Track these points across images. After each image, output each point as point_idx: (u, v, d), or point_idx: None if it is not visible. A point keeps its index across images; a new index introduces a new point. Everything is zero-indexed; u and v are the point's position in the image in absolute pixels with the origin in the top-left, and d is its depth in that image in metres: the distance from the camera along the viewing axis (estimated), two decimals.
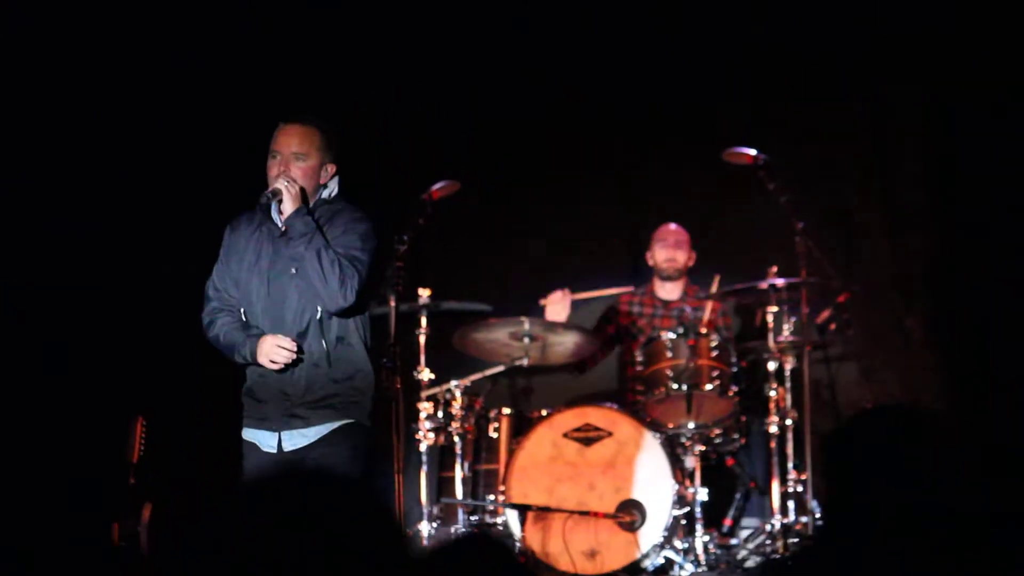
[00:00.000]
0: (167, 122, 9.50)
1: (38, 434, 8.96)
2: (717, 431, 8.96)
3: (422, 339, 8.86)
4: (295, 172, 6.47)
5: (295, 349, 6.40)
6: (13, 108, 9.18)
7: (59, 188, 9.29)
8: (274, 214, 6.59)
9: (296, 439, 6.48)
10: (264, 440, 6.54)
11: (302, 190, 6.46)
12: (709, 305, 9.45)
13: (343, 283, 6.36)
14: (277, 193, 6.44)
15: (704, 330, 9.01)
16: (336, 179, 6.62)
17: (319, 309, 6.45)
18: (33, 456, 8.92)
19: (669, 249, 9.53)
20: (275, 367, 6.42)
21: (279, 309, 6.51)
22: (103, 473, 8.08)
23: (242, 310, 6.59)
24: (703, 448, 8.87)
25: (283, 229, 6.52)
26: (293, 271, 6.46)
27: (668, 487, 8.50)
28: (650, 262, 9.62)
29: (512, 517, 8.57)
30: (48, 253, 9.22)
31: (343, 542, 2.62)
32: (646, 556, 8.46)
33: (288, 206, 6.43)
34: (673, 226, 9.54)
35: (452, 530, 8.75)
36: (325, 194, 6.59)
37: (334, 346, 6.49)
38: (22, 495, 8.70)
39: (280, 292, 6.51)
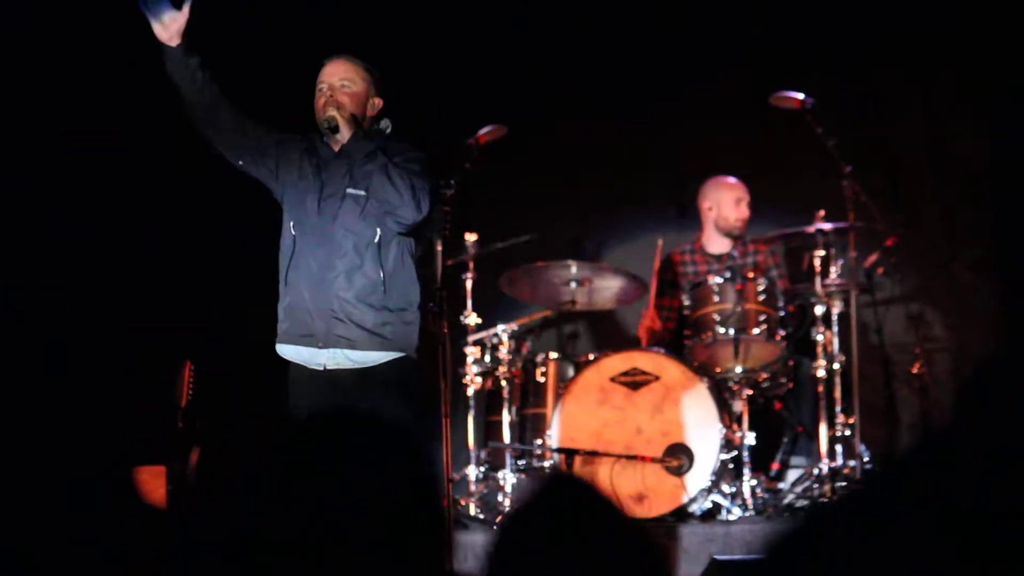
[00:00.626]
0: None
1: (87, 380, 8.93)
2: (764, 375, 8.89)
3: (469, 283, 8.82)
4: (342, 98, 6.54)
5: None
6: (16, 108, 9.16)
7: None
8: (322, 143, 6.64)
9: (341, 359, 6.48)
10: (309, 357, 6.53)
11: (353, 117, 6.49)
12: (762, 250, 9.37)
13: (414, 193, 6.39)
14: (332, 120, 6.48)
15: (751, 275, 8.91)
16: (387, 120, 6.66)
17: (377, 232, 6.46)
18: (82, 400, 8.90)
19: (743, 206, 9.40)
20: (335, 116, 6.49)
21: (328, 229, 6.52)
22: (154, 416, 8.07)
23: (290, 224, 6.56)
24: (750, 392, 8.80)
25: (335, 151, 6.54)
26: (348, 190, 6.49)
27: (715, 431, 8.44)
28: (710, 215, 9.46)
29: (559, 461, 8.52)
30: (106, 216, 9.22)
31: (382, 495, 2.56)
32: (693, 500, 8.42)
33: (344, 132, 6.51)
34: (733, 180, 9.41)
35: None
36: (382, 125, 6.66)
37: (391, 274, 6.48)
38: (73, 439, 8.69)
39: (330, 211, 6.53)
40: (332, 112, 6.48)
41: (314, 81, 6.69)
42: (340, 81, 6.54)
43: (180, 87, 6.54)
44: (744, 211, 9.38)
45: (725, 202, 9.40)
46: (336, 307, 6.46)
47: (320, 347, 6.49)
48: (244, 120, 6.63)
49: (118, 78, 9.20)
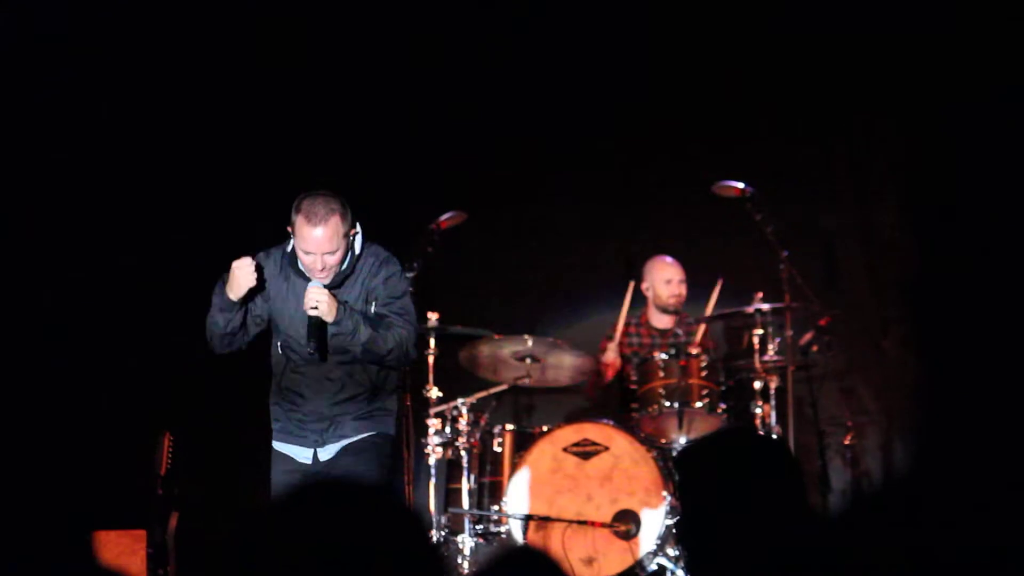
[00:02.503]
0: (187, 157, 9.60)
1: (71, 447, 9.04)
2: None
3: (431, 359, 8.93)
4: (330, 262, 6.56)
5: (252, 263, 6.54)
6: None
7: (103, 212, 9.37)
8: (299, 270, 6.71)
9: (331, 450, 6.68)
10: (299, 453, 6.69)
11: (332, 300, 6.52)
12: (701, 328, 9.56)
13: (403, 346, 6.57)
14: (314, 318, 6.51)
15: (695, 351, 9.10)
16: (359, 235, 6.73)
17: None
18: (65, 469, 8.99)
19: (675, 285, 9.62)
20: (248, 286, 6.53)
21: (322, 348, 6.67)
22: (133, 484, 8.16)
23: (278, 343, 6.76)
24: None
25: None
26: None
27: (661, 498, 8.58)
28: (648, 294, 9.70)
29: (515, 526, 8.67)
30: (78, 272, 9.29)
31: (375, 549, 2.66)
32: (640, 563, 8.54)
33: (329, 318, 6.51)
34: (669, 259, 9.63)
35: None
36: (356, 249, 6.70)
37: (375, 383, 6.70)
38: (53, 507, 8.77)
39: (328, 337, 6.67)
40: (311, 310, 6.47)
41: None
42: (328, 254, 6.53)
43: (219, 339, 6.75)
44: (675, 289, 9.58)
45: (658, 282, 9.63)
46: (327, 415, 6.66)
47: (308, 446, 6.69)
48: (251, 325, 6.80)
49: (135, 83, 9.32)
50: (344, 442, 6.66)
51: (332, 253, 6.55)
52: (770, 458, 3.58)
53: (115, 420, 9.05)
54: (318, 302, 6.46)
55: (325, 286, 6.55)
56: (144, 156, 9.52)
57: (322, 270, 6.55)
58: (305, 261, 6.58)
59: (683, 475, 3.68)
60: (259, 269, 6.63)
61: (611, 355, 9.50)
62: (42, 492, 8.88)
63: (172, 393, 9.15)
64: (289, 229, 6.63)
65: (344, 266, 6.63)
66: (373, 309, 6.64)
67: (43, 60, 9.30)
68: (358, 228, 6.68)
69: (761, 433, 8.88)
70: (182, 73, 9.57)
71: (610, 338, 9.62)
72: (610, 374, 9.57)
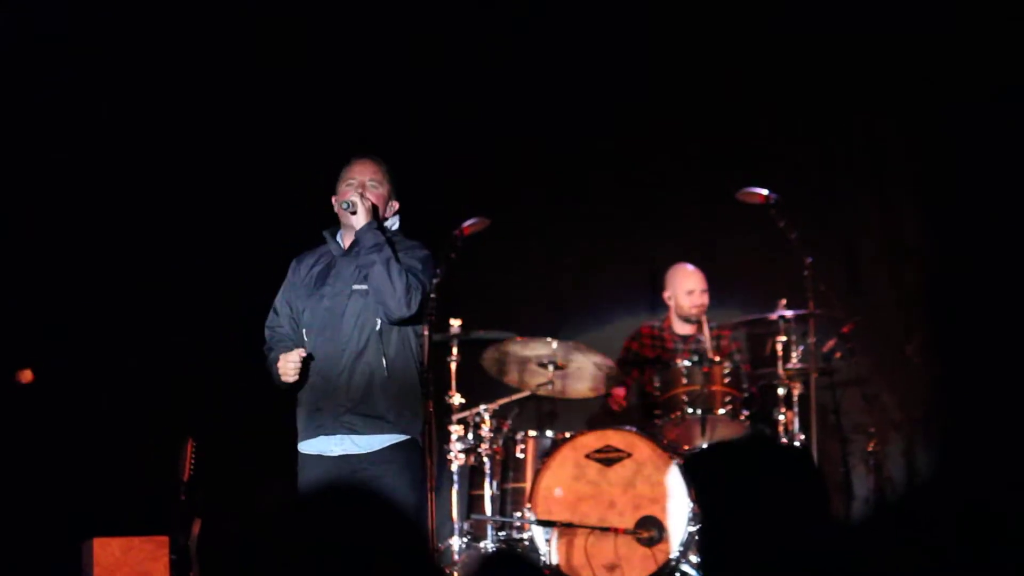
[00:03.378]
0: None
1: (95, 454, 9.04)
2: None
3: (453, 366, 8.90)
4: (370, 195, 6.70)
5: (300, 358, 6.54)
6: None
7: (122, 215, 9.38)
8: (337, 238, 6.80)
9: (347, 445, 6.62)
10: (326, 447, 6.66)
11: (374, 207, 6.64)
12: (725, 335, 9.53)
13: (408, 291, 6.55)
14: (352, 204, 6.62)
15: (718, 358, 9.08)
16: (398, 216, 6.85)
17: (379, 322, 6.61)
18: (89, 475, 8.99)
19: (696, 295, 9.61)
20: (289, 380, 6.54)
21: (336, 323, 6.68)
22: (156, 490, 8.16)
23: (303, 331, 6.70)
24: None
25: (344, 249, 6.68)
26: (354, 286, 6.64)
27: (684, 505, 8.55)
28: (670, 303, 9.69)
29: (538, 533, 8.64)
30: (105, 281, 9.29)
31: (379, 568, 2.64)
32: (663, 570, 8.50)
33: (361, 218, 6.62)
34: (692, 268, 9.62)
35: (481, 547, 8.79)
36: (387, 224, 6.76)
37: (392, 360, 6.62)
38: (78, 512, 8.77)
39: (339, 308, 6.69)
40: (355, 197, 6.62)
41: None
42: (370, 180, 6.71)
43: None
44: (697, 299, 9.57)
45: (680, 292, 9.62)
46: (343, 396, 6.61)
47: (329, 434, 6.63)
48: (280, 329, 6.86)
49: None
50: (373, 444, 6.61)
51: (374, 184, 6.70)
52: (787, 461, 3.56)
53: (138, 427, 9.05)
54: (360, 199, 6.59)
55: (348, 249, 6.70)
56: (144, 156, 9.50)
57: (360, 186, 6.64)
58: (345, 195, 6.68)
59: (699, 478, 3.66)
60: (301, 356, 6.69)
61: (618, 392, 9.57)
62: (64, 497, 8.88)
63: (195, 400, 9.14)
64: (333, 200, 6.77)
65: (376, 223, 6.66)
66: None
67: (43, 60, 9.29)
68: (397, 207, 6.82)
69: (779, 438, 8.86)
70: (182, 74, 9.56)
71: (628, 349, 9.63)
72: (615, 407, 9.60)
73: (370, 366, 6.61)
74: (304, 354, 6.58)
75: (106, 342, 9.24)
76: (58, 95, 9.29)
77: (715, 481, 3.47)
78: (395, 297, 6.52)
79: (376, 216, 6.68)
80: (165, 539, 7.94)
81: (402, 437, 6.62)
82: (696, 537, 8.54)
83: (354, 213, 6.63)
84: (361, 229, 6.61)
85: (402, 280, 6.52)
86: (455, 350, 8.88)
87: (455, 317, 8.92)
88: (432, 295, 7.89)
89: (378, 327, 6.61)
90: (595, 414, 9.94)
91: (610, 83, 10.13)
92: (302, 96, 9.76)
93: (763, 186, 9.06)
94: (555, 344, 9.19)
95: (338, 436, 6.62)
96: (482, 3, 10.05)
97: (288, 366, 6.56)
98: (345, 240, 6.80)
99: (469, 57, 10.06)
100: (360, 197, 6.63)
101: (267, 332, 6.87)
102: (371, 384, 6.60)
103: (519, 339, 9.21)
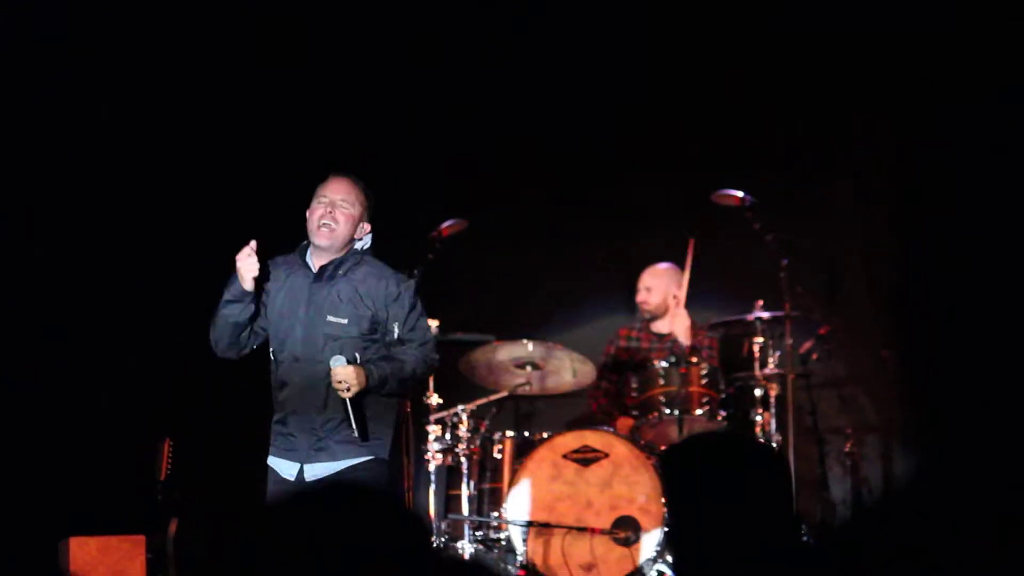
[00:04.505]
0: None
1: (71, 452, 9.01)
2: None
3: None
4: (339, 216, 6.62)
5: (252, 250, 6.50)
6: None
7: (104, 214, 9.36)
8: (308, 259, 6.71)
9: (318, 470, 6.56)
10: (284, 469, 6.61)
11: (357, 369, 6.47)
12: (701, 333, 9.53)
13: (427, 363, 6.72)
14: (350, 400, 6.49)
15: (695, 359, 9.07)
16: (370, 236, 6.76)
17: (357, 357, 6.54)
18: (64, 473, 8.97)
19: (641, 293, 9.62)
20: (250, 278, 6.50)
21: (312, 354, 6.60)
22: (133, 490, 8.14)
23: (271, 350, 6.67)
24: None
25: (315, 273, 6.65)
26: (328, 318, 6.58)
27: (661, 505, 8.54)
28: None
29: (515, 532, 8.63)
30: (82, 280, 9.26)
31: (371, 552, 2.62)
32: (640, 569, 8.50)
33: (358, 388, 6.47)
34: (657, 267, 9.61)
35: (458, 547, 8.77)
36: (358, 246, 6.71)
37: (369, 389, 6.56)
38: (55, 512, 8.74)
39: (313, 338, 6.61)
40: (343, 393, 6.43)
41: (309, 172, 6.82)
42: (341, 200, 6.60)
43: (227, 333, 6.70)
44: (644, 296, 9.57)
45: (637, 287, 9.61)
46: (318, 425, 6.56)
47: (299, 461, 6.58)
48: (257, 330, 6.79)
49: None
50: (334, 467, 6.56)
51: (344, 206, 6.59)
52: (755, 456, 3.57)
53: (115, 425, 9.02)
54: (346, 381, 6.42)
55: (319, 273, 6.63)
56: (144, 156, 9.48)
57: (327, 214, 6.57)
58: (315, 212, 6.62)
59: (668, 473, 3.67)
60: (263, 265, 6.61)
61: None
62: (40, 495, 8.85)
63: (172, 399, 9.12)
64: (308, 213, 6.70)
65: (343, 253, 6.63)
66: (397, 334, 6.63)
67: (43, 60, 9.27)
68: (369, 229, 6.73)
69: (747, 435, 8.87)
70: (182, 75, 9.53)
71: (607, 354, 9.64)
72: (594, 407, 9.62)
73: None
74: (255, 246, 6.50)
75: (84, 342, 9.21)
76: (58, 95, 9.26)
77: (684, 476, 3.48)
78: (420, 374, 6.77)
79: (361, 372, 6.47)
80: (142, 538, 7.92)
81: (367, 457, 6.58)
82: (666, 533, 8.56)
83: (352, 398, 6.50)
84: (367, 388, 6.50)
85: (424, 369, 6.74)
86: None
87: (433, 318, 8.90)
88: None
89: (357, 360, 6.53)
90: (573, 415, 9.92)
91: (587, 86, 10.11)
92: (298, 96, 9.74)
93: (739, 187, 9.08)
94: (531, 346, 9.20)
95: (310, 465, 6.58)
96: (427, 7, 10.01)
97: (247, 262, 6.48)
98: (315, 261, 6.71)
99: (438, 54, 10.03)
100: (350, 376, 6.43)
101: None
102: (346, 412, 6.53)
103: (496, 343, 9.22)
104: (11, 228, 9.16)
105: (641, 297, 9.62)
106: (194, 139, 9.56)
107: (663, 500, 8.50)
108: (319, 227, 6.60)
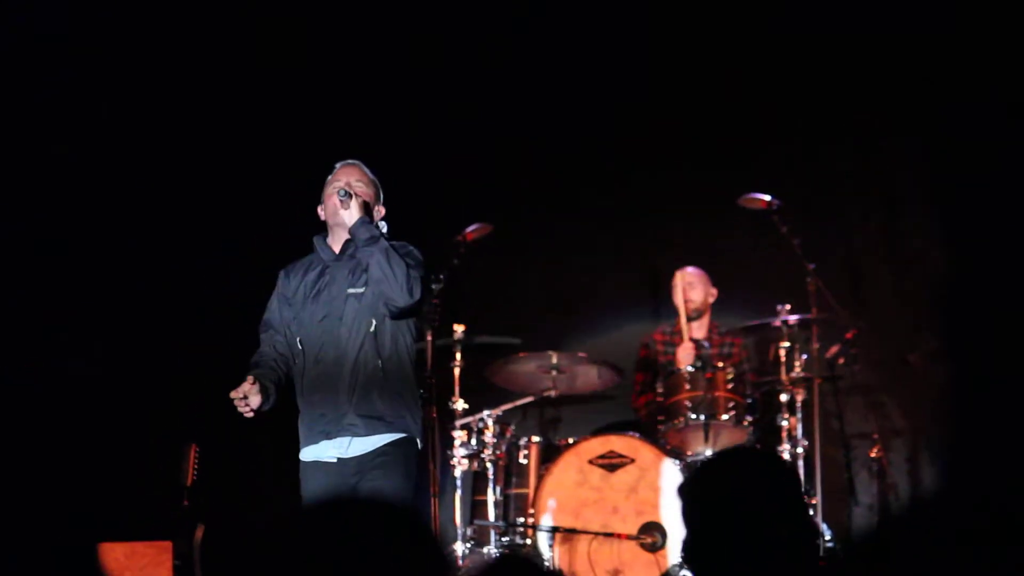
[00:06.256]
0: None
1: (99, 458, 9.03)
2: None
3: (457, 371, 8.90)
4: (357, 187, 6.71)
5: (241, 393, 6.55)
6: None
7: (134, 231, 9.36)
8: (325, 247, 6.79)
9: (346, 448, 6.58)
10: (325, 452, 6.62)
11: (365, 203, 6.60)
12: (737, 341, 9.53)
13: (408, 280, 6.50)
14: (348, 189, 6.62)
15: (721, 364, 9.05)
16: (384, 222, 6.80)
17: (373, 323, 6.58)
18: (93, 480, 8.98)
19: (682, 292, 9.58)
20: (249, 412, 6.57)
21: (334, 328, 6.66)
22: (159, 496, 8.14)
23: (298, 339, 6.69)
24: None
25: (336, 254, 6.68)
26: (348, 291, 6.62)
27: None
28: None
29: (541, 538, 8.63)
30: (105, 283, 9.27)
31: (389, 564, 2.63)
32: (667, 574, 8.48)
33: (354, 212, 6.62)
34: (689, 269, 9.61)
35: (485, 552, 8.78)
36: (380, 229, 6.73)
37: (387, 360, 6.59)
38: (84, 516, 8.74)
39: (336, 313, 6.67)
40: (349, 188, 6.63)
41: (308, 178, 6.86)
42: (356, 182, 6.72)
43: None
44: (688, 295, 9.55)
45: (675, 288, 9.60)
46: (344, 399, 6.58)
47: (330, 438, 6.60)
48: (273, 340, 6.86)
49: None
50: (370, 444, 6.58)
51: (359, 184, 6.71)
52: (763, 472, 3.57)
53: (142, 431, 9.03)
54: (351, 193, 6.60)
55: (340, 252, 6.73)
56: (144, 158, 9.49)
57: (346, 186, 6.64)
58: (331, 197, 6.70)
59: (686, 501, 3.69)
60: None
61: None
62: (68, 502, 8.85)
63: (199, 404, 9.12)
64: (319, 209, 6.82)
65: (369, 216, 6.68)
66: None
67: (43, 60, 9.28)
68: (384, 212, 6.81)
69: (758, 449, 8.84)
70: (182, 76, 9.54)
71: (642, 356, 9.65)
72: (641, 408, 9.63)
73: (367, 367, 6.59)
74: (252, 383, 6.57)
75: (110, 346, 9.22)
76: (58, 95, 9.26)
77: (700, 502, 3.49)
78: (397, 284, 6.49)
79: (368, 211, 6.67)
80: (169, 544, 7.92)
81: (398, 435, 6.59)
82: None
83: (348, 200, 6.61)
84: (355, 224, 6.61)
85: (402, 268, 6.49)
86: (458, 355, 8.88)
87: (459, 323, 8.91)
88: (435, 300, 7.91)
89: (372, 327, 6.59)
90: (599, 421, 9.91)
91: (612, 88, 10.11)
92: (302, 98, 9.74)
93: (765, 191, 9.06)
94: (556, 357, 9.19)
95: (339, 439, 6.60)
96: (483, 5, 10.02)
97: (247, 401, 6.58)
98: (335, 243, 6.79)
99: (471, 61, 10.04)
100: (352, 191, 6.65)
101: (263, 343, 6.87)
102: (369, 385, 6.58)
103: (521, 355, 9.22)
104: (28, 229, 9.16)
105: (685, 295, 9.57)
106: (194, 142, 9.56)
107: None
108: (340, 199, 6.66)
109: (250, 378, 6.55)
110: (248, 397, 6.53)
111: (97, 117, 9.38)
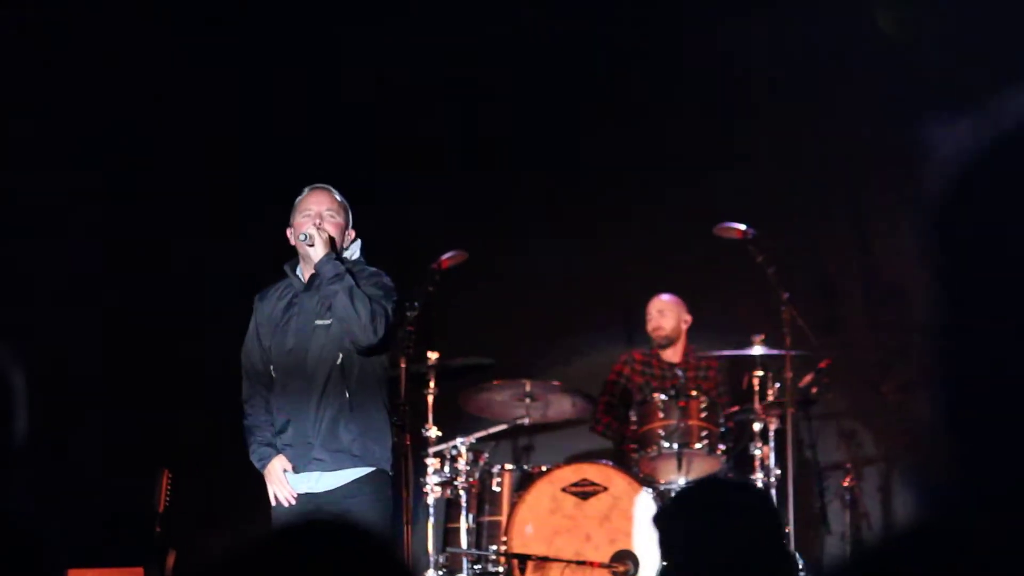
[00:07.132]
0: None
1: (69, 484, 9.00)
2: None
3: (430, 399, 8.89)
4: (328, 226, 6.65)
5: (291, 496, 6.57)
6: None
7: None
8: (297, 272, 6.74)
9: (314, 483, 6.58)
10: (297, 487, 6.61)
11: (331, 239, 6.58)
12: (713, 364, 9.56)
13: (373, 318, 6.46)
14: (309, 236, 6.57)
15: (694, 392, 9.07)
16: (358, 243, 6.80)
17: (340, 356, 6.56)
18: (62, 506, 8.95)
19: (654, 319, 9.64)
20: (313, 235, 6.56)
21: (302, 360, 6.63)
22: (131, 522, 8.11)
23: (271, 367, 6.68)
24: None
25: (305, 282, 6.65)
26: (316, 322, 6.59)
27: (655, 537, 8.51)
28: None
29: (514, 566, 8.61)
30: (79, 316, 9.26)
31: None
32: None
33: (319, 250, 6.57)
34: (663, 296, 9.64)
35: None
36: (346, 255, 6.72)
37: (355, 393, 6.57)
38: (54, 542, 8.71)
39: (303, 343, 6.65)
40: (311, 229, 6.57)
41: (281, 204, 6.86)
42: (327, 211, 6.66)
43: None
44: (658, 321, 9.59)
45: (648, 315, 9.64)
46: (311, 433, 6.57)
47: (296, 472, 6.60)
48: (254, 373, 6.84)
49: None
50: (340, 479, 6.58)
51: (331, 215, 6.66)
52: (739, 501, 3.59)
53: (114, 457, 9.01)
54: (317, 231, 6.57)
55: (308, 283, 6.67)
56: (145, 156, 9.49)
57: (317, 217, 6.61)
58: (301, 225, 6.66)
59: (663, 531, 3.70)
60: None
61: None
62: (37, 527, 8.82)
63: (171, 430, 9.11)
64: (288, 232, 6.78)
65: (335, 253, 6.63)
66: None
67: (43, 60, 9.28)
68: (355, 235, 6.80)
69: (737, 479, 8.84)
70: (183, 77, 9.55)
71: (620, 373, 9.66)
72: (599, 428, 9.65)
73: (334, 400, 6.57)
74: (288, 467, 6.61)
75: (81, 373, 9.20)
76: (58, 94, 9.27)
77: (676, 532, 3.50)
78: (361, 325, 6.45)
79: (334, 247, 6.63)
80: (140, 571, 7.90)
81: (368, 469, 6.58)
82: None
83: (311, 245, 6.59)
84: (320, 261, 6.57)
85: (366, 308, 6.45)
86: (432, 383, 8.87)
87: (432, 350, 8.91)
88: (410, 327, 7.90)
89: (339, 360, 6.57)
90: (572, 449, 9.91)
91: (584, 114, 10.16)
92: (273, 124, 9.76)
93: (740, 219, 9.08)
94: (529, 386, 9.20)
95: (306, 474, 6.59)
96: (458, 29, 10.05)
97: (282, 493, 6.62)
98: (305, 272, 6.76)
99: (444, 86, 10.07)
100: (317, 228, 6.59)
101: (244, 368, 6.86)
102: (336, 418, 6.55)
103: (495, 383, 9.22)
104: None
105: (655, 323, 9.63)
106: (191, 151, 9.57)
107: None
108: (303, 243, 6.63)
109: (283, 464, 6.59)
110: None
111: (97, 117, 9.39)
